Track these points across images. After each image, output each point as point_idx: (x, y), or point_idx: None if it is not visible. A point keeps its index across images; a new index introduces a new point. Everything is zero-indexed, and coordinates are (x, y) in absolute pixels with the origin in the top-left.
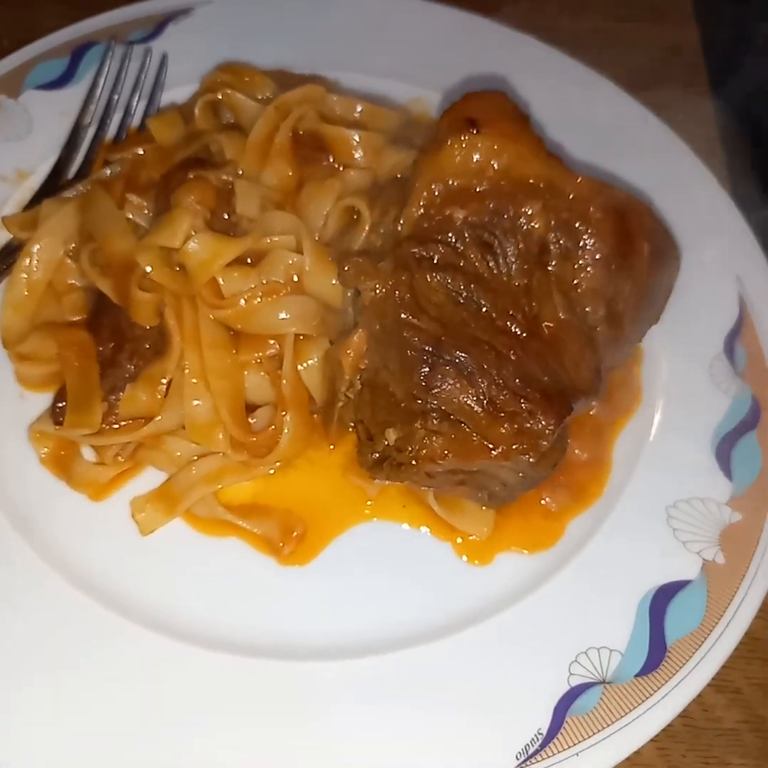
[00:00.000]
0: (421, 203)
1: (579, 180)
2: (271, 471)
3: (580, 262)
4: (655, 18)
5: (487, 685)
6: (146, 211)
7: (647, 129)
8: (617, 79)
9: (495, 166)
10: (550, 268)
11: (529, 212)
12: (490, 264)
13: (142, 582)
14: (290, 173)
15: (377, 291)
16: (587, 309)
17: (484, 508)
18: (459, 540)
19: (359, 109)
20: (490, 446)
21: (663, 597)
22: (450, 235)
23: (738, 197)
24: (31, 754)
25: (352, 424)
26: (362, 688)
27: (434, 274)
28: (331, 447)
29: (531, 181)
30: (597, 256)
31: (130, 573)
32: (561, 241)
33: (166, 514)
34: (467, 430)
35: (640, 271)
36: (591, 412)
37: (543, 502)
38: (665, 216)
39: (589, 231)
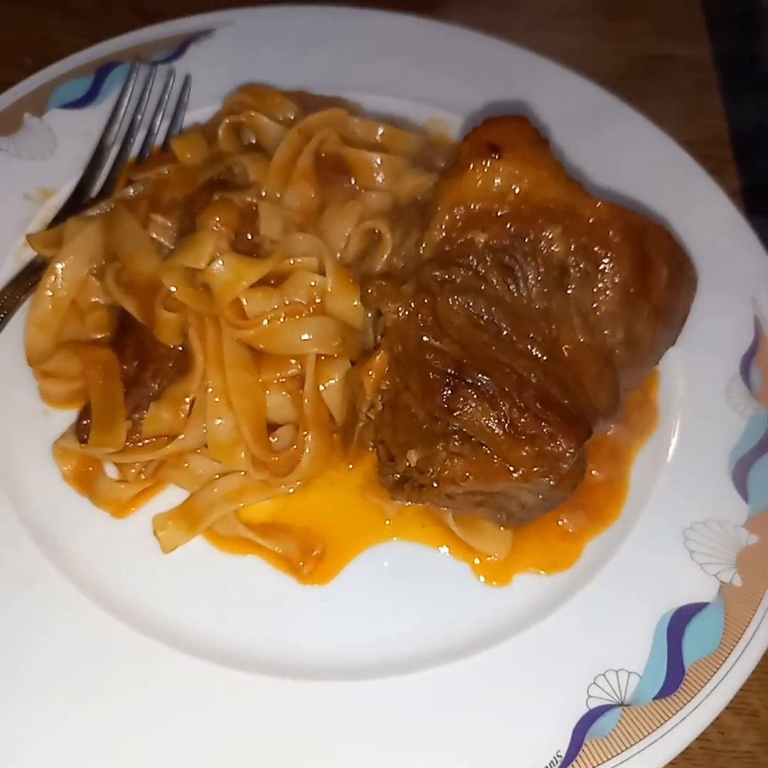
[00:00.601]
0: (443, 227)
1: (598, 204)
2: (291, 490)
3: (600, 285)
4: (666, 37)
5: (506, 706)
6: (170, 232)
7: (662, 152)
8: (630, 99)
9: (516, 190)
10: (569, 292)
11: (550, 236)
12: (511, 287)
13: (163, 599)
14: (313, 195)
15: (400, 313)
16: (606, 332)
17: (502, 528)
18: (477, 560)
19: (380, 131)
20: (511, 468)
21: (680, 619)
22: (471, 258)
23: (753, 219)
24: None
25: (372, 445)
26: (381, 709)
27: (456, 297)
28: (350, 467)
29: (551, 205)
30: (616, 280)
31: (152, 590)
32: (580, 265)
33: (188, 531)
34: (488, 452)
35: (658, 295)
36: (608, 434)
37: (560, 523)
38: (681, 238)
39: (609, 255)
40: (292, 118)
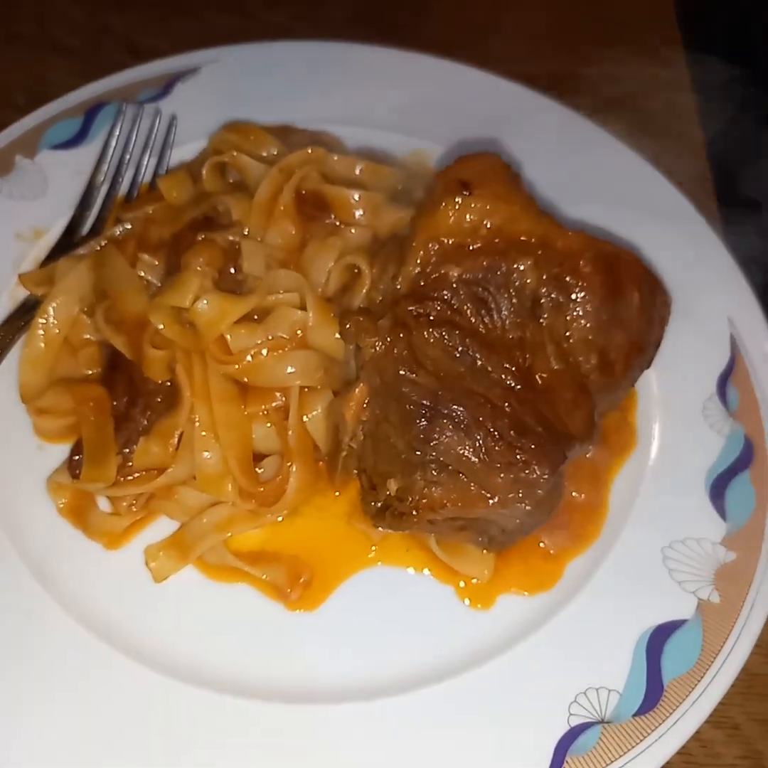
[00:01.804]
0: (418, 261)
1: (569, 234)
2: (279, 519)
3: (573, 314)
4: (643, 59)
5: (488, 725)
6: (158, 270)
7: (634, 171)
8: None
9: (487, 225)
10: (542, 321)
11: (521, 268)
12: (485, 319)
13: (155, 627)
14: (294, 232)
15: (377, 348)
16: (580, 358)
17: (484, 551)
18: (461, 583)
19: (359, 168)
20: (488, 495)
21: (659, 637)
22: (445, 292)
23: (727, 238)
24: None
25: (356, 472)
26: (367, 732)
27: (431, 330)
28: (337, 494)
29: (523, 238)
30: (588, 308)
31: (144, 618)
32: (552, 295)
33: (179, 561)
34: (465, 480)
35: (630, 320)
36: (588, 456)
37: (542, 544)
38: (655, 259)
39: (580, 284)
40: (275, 153)
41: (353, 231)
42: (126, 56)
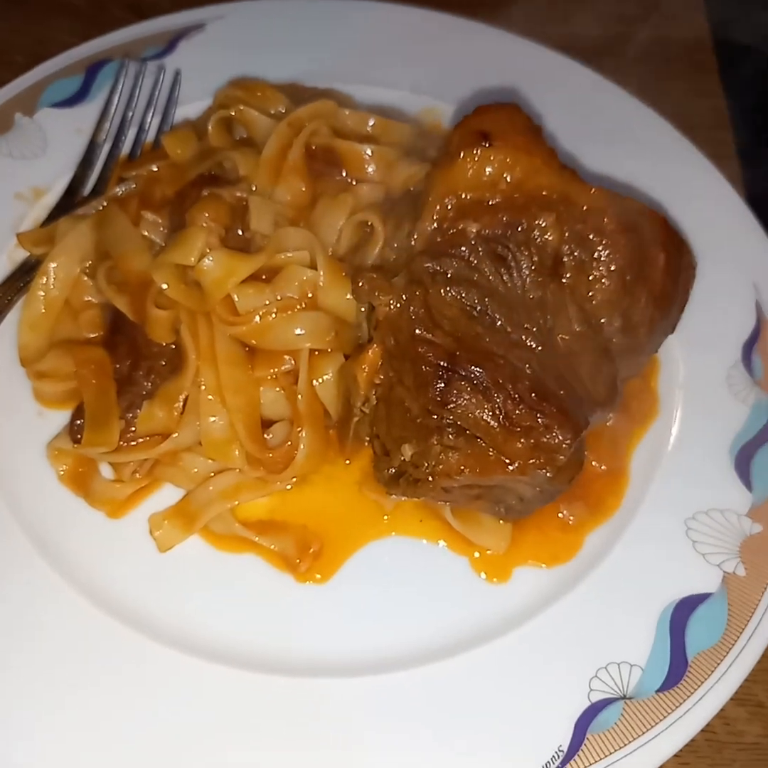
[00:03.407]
0: (434, 218)
1: (593, 191)
2: (288, 487)
3: (595, 273)
4: (665, 21)
5: (507, 701)
6: (161, 228)
7: (661, 137)
8: (628, 84)
9: (508, 178)
10: (564, 281)
11: (543, 224)
12: (504, 277)
13: (159, 598)
14: (303, 189)
15: (391, 306)
16: (602, 321)
17: (501, 522)
18: (476, 554)
19: (371, 122)
20: (507, 461)
21: (683, 610)
22: (463, 248)
23: (753, 204)
24: None
25: (368, 439)
26: (380, 706)
27: (448, 289)
28: (347, 462)
29: (544, 193)
30: (612, 267)
31: (148, 589)
32: (575, 253)
33: (184, 530)
34: (483, 445)
35: (655, 282)
36: (608, 424)
37: (560, 515)
38: (680, 224)
39: (604, 242)
40: (283, 111)
41: (365, 187)
42: (128, 15)
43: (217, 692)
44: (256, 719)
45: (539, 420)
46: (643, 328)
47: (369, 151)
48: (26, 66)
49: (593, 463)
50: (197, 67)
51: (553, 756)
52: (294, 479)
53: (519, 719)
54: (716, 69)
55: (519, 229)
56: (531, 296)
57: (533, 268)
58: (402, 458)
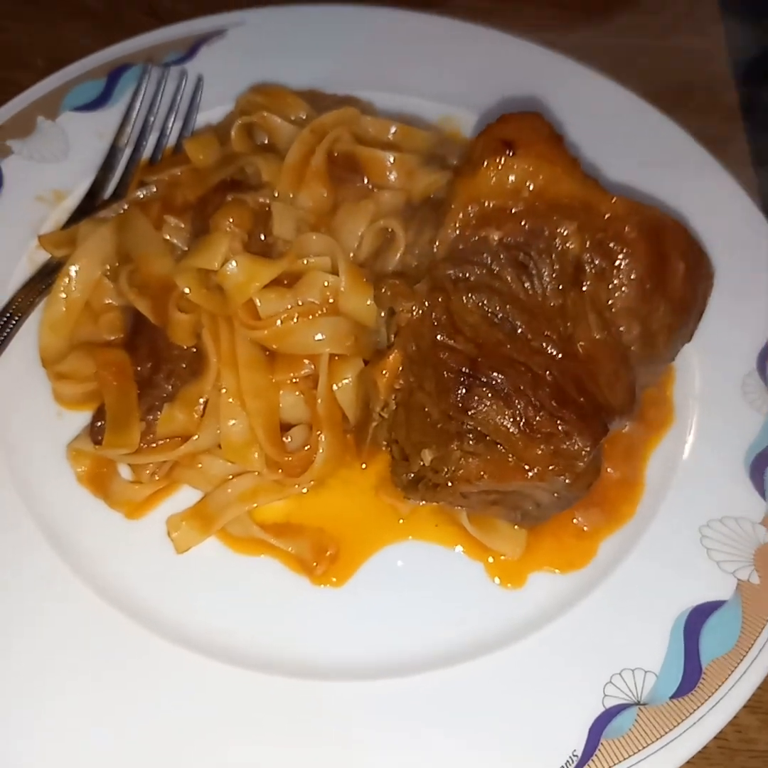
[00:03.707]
0: (457, 224)
1: (614, 200)
2: (305, 490)
3: (615, 281)
4: (678, 30)
5: (521, 706)
6: (183, 233)
7: (679, 146)
8: (647, 95)
9: (530, 187)
10: (584, 288)
11: (565, 233)
12: (526, 284)
13: (176, 600)
14: (325, 195)
15: (414, 312)
16: (622, 328)
17: (516, 527)
18: (491, 559)
19: (393, 130)
20: (526, 467)
21: (697, 618)
22: (485, 256)
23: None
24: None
25: (386, 444)
26: (396, 709)
27: (470, 295)
28: (363, 466)
29: (566, 201)
30: (632, 276)
31: (165, 591)
32: (596, 261)
33: (202, 532)
34: (503, 451)
35: (674, 290)
36: (624, 431)
37: (575, 521)
38: (697, 233)
39: (624, 251)
40: (304, 117)
41: (387, 194)
42: (147, 19)
43: (232, 694)
44: (271, 722)
45: (559, 427)
46: (662, 336)
47: (391, 158)
48: (47, 69)
49: (609, 470)
50: (218, 73)
51: (567, 761)
52: (311, 483)
53: (533, 724)
54: (732, 80)
55: (541, 237)
56: (551, 304)
57: (554, 275)
58: (421, 463)
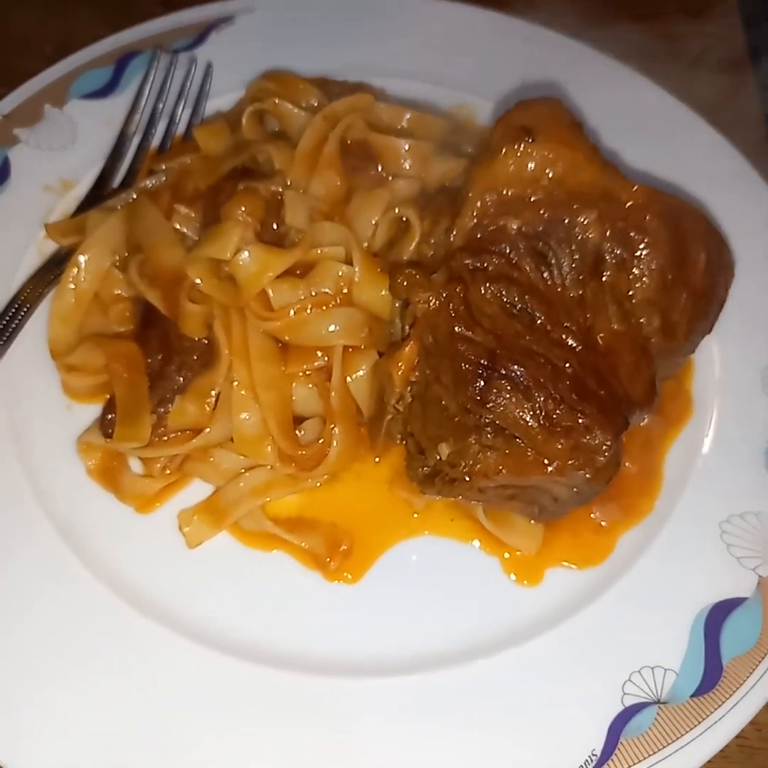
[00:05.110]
0: (475, 213)
1: (635, 188)
2: (318, 484)
3: (636, 271)
4: (700, 23)
5: (540, 704)
6: (194, 222)
7: (699, 135)
8: (666, 85)
9: (550, 174)
10: (604, 279)
11: (585, 221)
12: (545, 275)
13: (188, 595)
14: (339, 183)
15: (431, 303)
16: (642, 320)
17: (533, 522)
18: (507, 555)
19: (407, 116)
20: (546, 462)
21: (718, 615)
22: (504, 245)
23: None
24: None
25: (401, 438)
26: (411, 706)
27: (488, 286)
28: (377, 460)
29: (586, 189)
30: (653, 266)
31: (177, 586)
32: (616, 251)
33: (213, 526)
34: (522, 445)
35: (695, 281)
36: (642, 425)
37: (593, 516)
38: (718, 223)
39: (645, 240)
40: (315, 104)
41: (401, 182)
42: (154, 5)
43: (244, 690)
44: (285, 718)
45: (580, 420)
46: (682, 327)
47: (405, 146)
48: (54, 57)
49: (627, 464)
50: (227, 59)
51: (587, 760)
52: (325, 476)
53: (552, 722)
54: (749, 68)
55: (560, 225)
56: (571, 294)
57: (574, 265)
58: (438, 457)
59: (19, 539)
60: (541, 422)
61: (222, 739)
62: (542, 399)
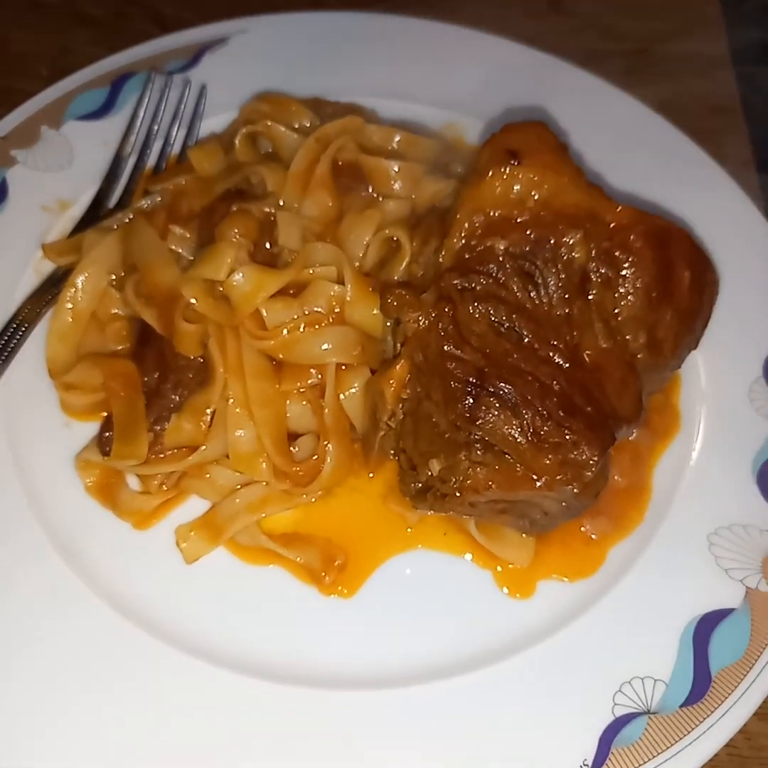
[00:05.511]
0: (462, 234)
1: (619, 209)
2: (313, 500)
3: (621, 290)
4: (685, 39)
5: (531, 715)
6: (189, 242)
7: (682, 153)
8: (650, 102)
9: (536, 196)
10: (590, 297)
11: (570, 242)
12: (532, 294)
13: (185, 609)
14: (330, 204)
15: (420, 322)
16: (628, 337)
17: (524, 535)
18: (499, 568)
19: (397, 138)
20: (534, 477)
21: (706, 626)
22: (491, 265)
23: None
24: None
25: (394, 453)
26: (404, 720)
27: (476, 305)
28: (370, 475)
29: (572, 211)
30: (637, 284)
31: (174, 601)
32: (602, 270)
33: (210, 542)
34: (511, 460)
35: (680, 298)
36: (630, 438)
37: (583, 529)
38: (702, 240)
39: (630, 259)
40: (308, 126)
41: (392, 203)
42: (151, 27)
43: (240, 704)
44: (280, 732)
45: (567, 436)
46: (668, 343)
47: (395, 167)
48: (51, 78)
49: (616, 477)
50: (221, 80)
51: None
52: (319, 492)
53: (543, 733)
54: (735, 81)
55: (546, 246)
56: (558, 312)
57: (560, 284)
58: (429, 473)
59: (16, 555)
60: (530, 438)
61: (217, 752)
62: (530, 415)
